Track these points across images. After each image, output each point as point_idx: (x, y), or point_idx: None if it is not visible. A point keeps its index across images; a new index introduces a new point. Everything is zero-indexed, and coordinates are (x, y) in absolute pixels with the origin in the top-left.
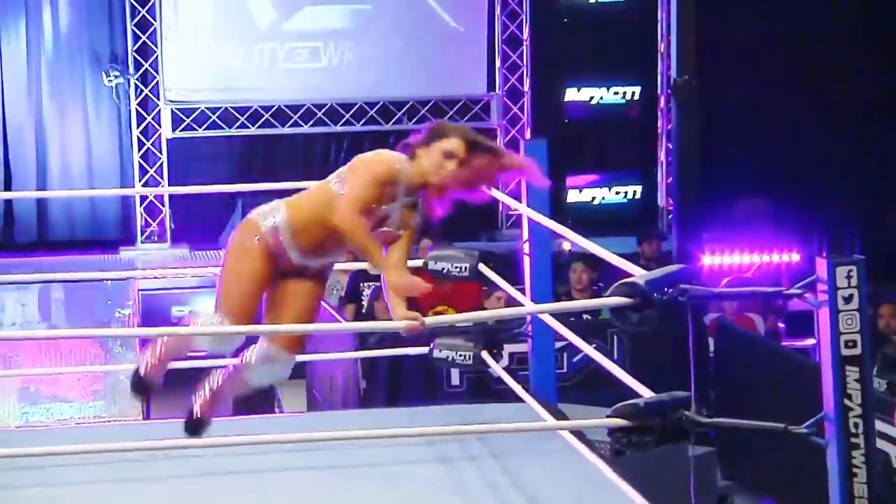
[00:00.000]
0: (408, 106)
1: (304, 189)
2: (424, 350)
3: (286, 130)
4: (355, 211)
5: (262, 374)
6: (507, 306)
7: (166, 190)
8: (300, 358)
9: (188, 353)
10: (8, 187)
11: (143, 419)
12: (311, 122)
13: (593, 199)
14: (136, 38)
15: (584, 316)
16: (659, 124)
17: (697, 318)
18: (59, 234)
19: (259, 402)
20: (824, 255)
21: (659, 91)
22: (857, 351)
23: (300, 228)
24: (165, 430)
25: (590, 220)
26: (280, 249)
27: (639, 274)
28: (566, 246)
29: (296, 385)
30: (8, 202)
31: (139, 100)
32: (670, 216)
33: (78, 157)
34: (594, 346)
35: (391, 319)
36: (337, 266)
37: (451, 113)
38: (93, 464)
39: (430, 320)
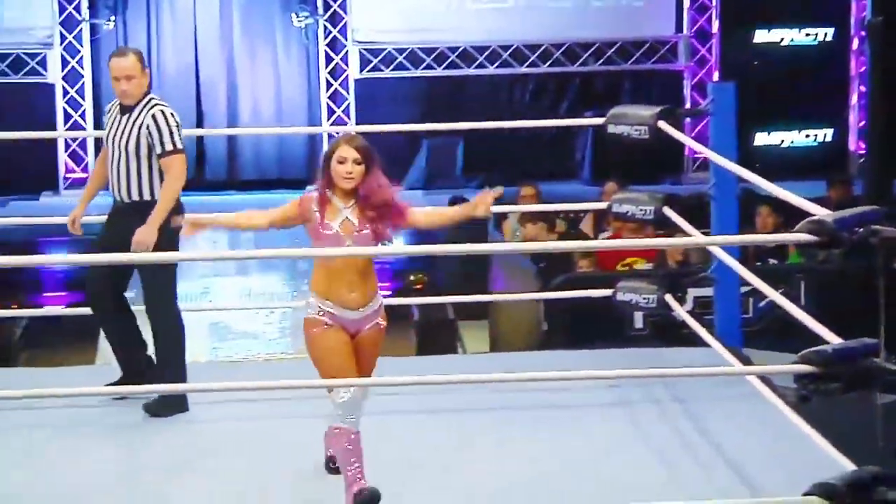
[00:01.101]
0: (594, 47)
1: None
2: (608, 292)
3: (471, 72)
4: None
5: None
6: (692, 251)
7: (353, 129)
8: (482, 298)
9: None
10: (200, 126)
11: None
12: (497, 63)
13: (782, 142)
14: None
15: (771, 261)
16: (851, 66)
17: (888, 261)
18: (248, 173)
19: (442, 342)
20: None
21: (852, 32)
22: None
23: (321, 286)
24: None
25: (778, 164)
26: (334, 318)
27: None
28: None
29: (479, 326)
30: (199, 141)
31: (328, 40)
32: (861, 160)
33: (267, 97)
34: (780, 291)
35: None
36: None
37: (636, 55)
38: (279, 399)
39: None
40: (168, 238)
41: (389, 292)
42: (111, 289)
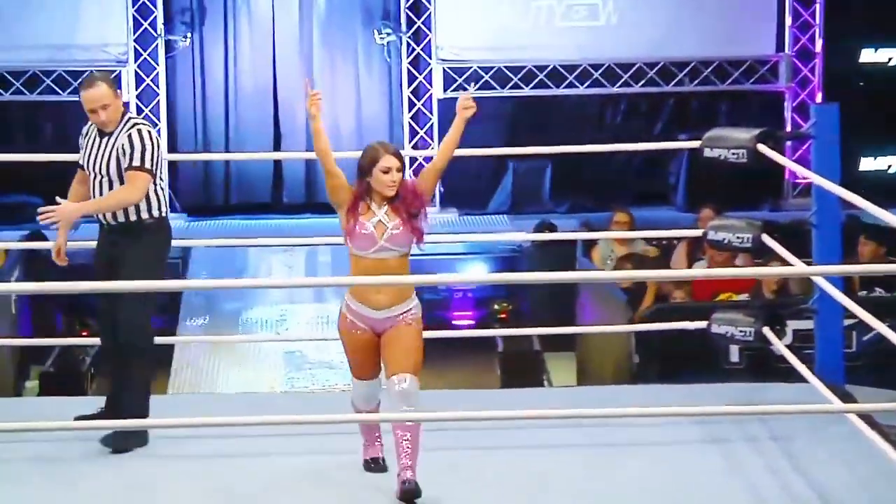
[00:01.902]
0: (689, 67)
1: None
2: (702, 324)
3: (560, 91)
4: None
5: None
6: (791, 281)
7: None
8: (570, 330)
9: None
10: (277, 148)
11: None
12: (587, 83)
13: (889, 167)
14: None
15: (877, 291)
16: None
17: None
18: (326, 196)
19: (528, 374)
20: None
21: None
22: None
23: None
24: (430, 400)
25: (884, 190)
26: (357, 315)
27: None
28: None
29: (566, 358)
30: (277, 163)
31: (411, 58)
32: None
33: (347, 117)
34: (887, 324)
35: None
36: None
37: (735, 74)
38: (356, 433)
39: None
40: (154, 255)
41: (472, 322)
42: (111, 317)
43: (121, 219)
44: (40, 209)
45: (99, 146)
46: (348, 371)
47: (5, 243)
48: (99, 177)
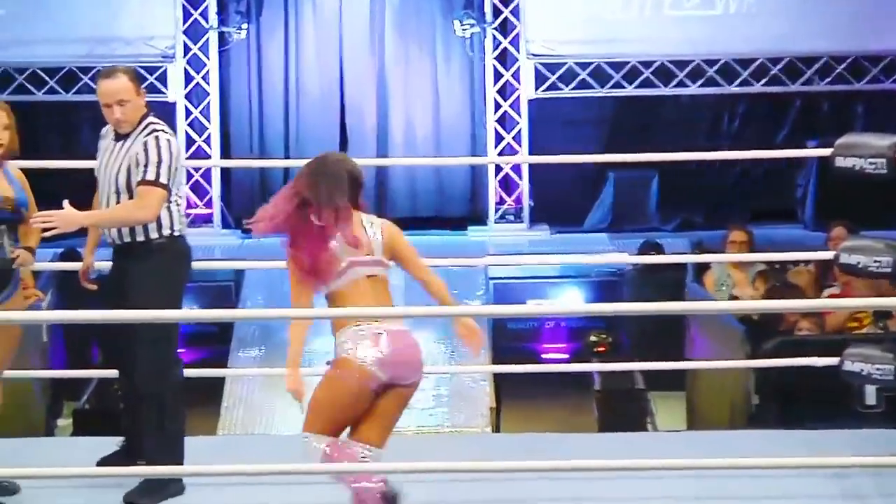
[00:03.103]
0: (820, 63)
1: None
2: (833, 360)
3: (669, 91)
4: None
5: None
6: None
7: (525, 159)
8: (678, 365)
9: None
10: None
11: (493, 431)
12: (700, 81)
13: None
14: None
15: None
16: None
17: None
18: (399, 209)
19: (629, 416)
20: None
21: None
22: None
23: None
24: (519, 444)
25: None
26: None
27: None
28: None
29: (673, 398)
30: None
31: (496, 53)
32: None
33: (423, 119)
34: None
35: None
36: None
37: (873, 72)
38: (432, 482)
39: None
40: (163, 281)
41: (566, 355)
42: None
43: (126, 238)
44: (36, 213)
45: (112, 152)
46: (422, 412)
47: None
48: (107, 188)
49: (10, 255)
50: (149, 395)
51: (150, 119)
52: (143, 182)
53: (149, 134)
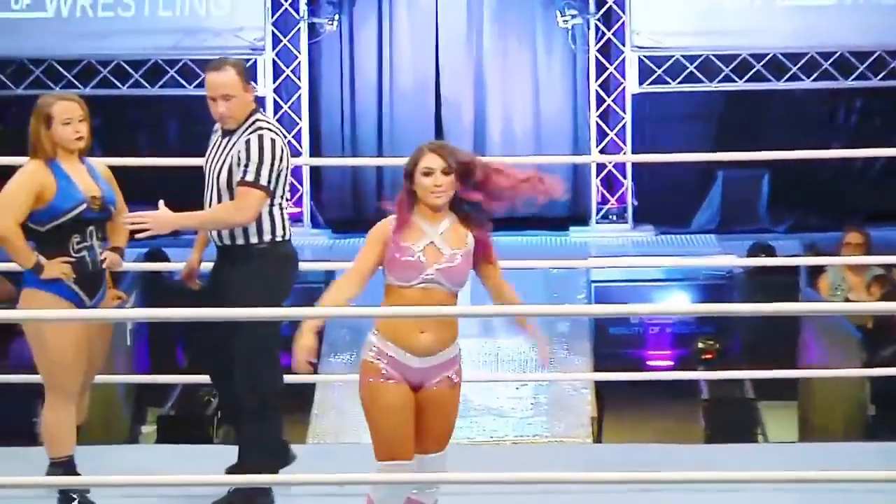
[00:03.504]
0: None
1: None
2: None
3: (782, 85)
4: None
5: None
6: None
7: (630, 158)
8: (791, 373)
9: None
10: None
11: (594, 441)
12: (815, 75)
13: None
14: None
15: None
16: None
17: None
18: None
19: (738, 427)
20: None
21: None
22: None
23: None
24: (622, 456)
25: None
26: (394, 364)
27: None
28: None
29: (785, 408)
30: None
31: (600, 45)
32: None
33: (523, 115)
34: None
35: None
36: None
37: None
38: (532, 493)
39: None
40: (262, 288)
41: (671, 362)
42: (219, 356)
43: (226, 241)
44: (129, 214)
45: (219, 148)
46: (520, 421)
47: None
48: (211, 186)
49: (99, 256)
50: (247, 402)
51: (258, 116)
52: (243, 182)
53: (253, 132)
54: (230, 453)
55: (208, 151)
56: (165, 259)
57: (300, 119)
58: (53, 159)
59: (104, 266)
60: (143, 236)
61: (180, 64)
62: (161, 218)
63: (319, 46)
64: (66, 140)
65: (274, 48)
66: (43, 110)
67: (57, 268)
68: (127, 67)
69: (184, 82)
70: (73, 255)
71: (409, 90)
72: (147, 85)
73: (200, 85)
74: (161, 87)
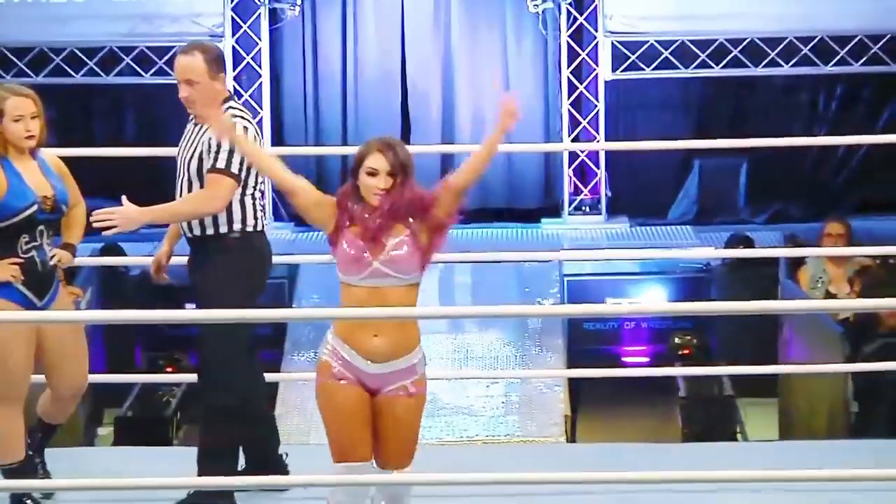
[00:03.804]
0: None
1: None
2: None
3: (760, 71)
4: None
5: None
6: None
7: (603, 146)
8: (770, 369)
9: None
10: (406, 141)
11: (568, 441)
12: (794, 60)
13: None
14: None
15: None
16: None
17: None
18: (468, 201)
19: (717, 425)
20: None
21: None
22: None
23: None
24: (596, 456)
25: None
26: (348, 367)
27: None
28: None
29: (765, 405)
30: None
31: (572, 30)
32: None
33: (492, 103)
34: None
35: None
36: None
37: None
38: (504, 494)
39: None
40: (234, 282)
41: (647, 358)
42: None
43: (196, 231)
44: (96, 211)
45: (190, 136)
46: (490, 420)
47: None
48: (181, 175)
49: (49, 256)
50: (214, 407)
51: (230, 104)
52: (213, 170)
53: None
54: (190, 455)
55: (181, 141)
56: (122, 253)
57: (261, 108)
58: (4, 156)
59: (54, 263)
60: (111, 233)
61: (136, 51)
62: (128, 213)
63: (281, 32)
64: (16, 137)
65: (234, 34)
66: None
67: (5, 270)
68: (81, 55)
69: (140, 70)
70: (22, 255)
71: (374, 77)
72: (102, 73)
73: (158, 73)
74: (117, 75)
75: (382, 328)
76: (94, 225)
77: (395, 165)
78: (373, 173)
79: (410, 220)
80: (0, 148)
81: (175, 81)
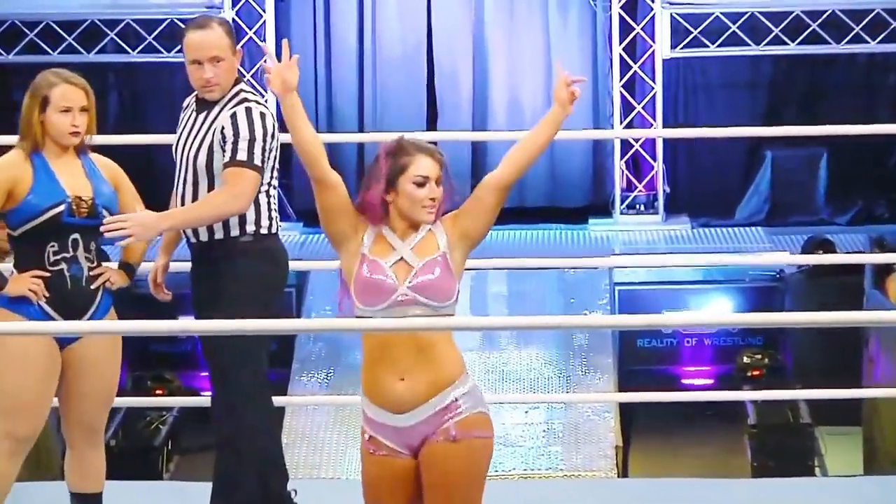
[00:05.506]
0: None
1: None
2: None
3: (842, 48)
4: None
5: None
6: None
7: (660, 133)
8: (855, 393)
9: None
10: (432, 127)
11: (619, 475)
12: (881, 36)
13: None
14: None
15: None
16: None
17: None
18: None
19: (792, 457)
20: None
21: None
22: None
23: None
24: (652, 493)
25: None
26: (376, 429)
27: None
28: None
29: (847, 434)
30: None
31: (624, 1)
32: None
33: (533, 86)
34: None
35: None
36: None
37: None
38: None
39: None
40: (249, 293)
41: (710, 380)
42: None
43: (202, 236)
44: (106, 219)
45: (193, 125)
46: (530, 451)
47: None
48: (184, 171)
49: (87, 272)
50: (222, 436)
51: (241, 87)
52: (234, 163)
53: (238, 104)
54: (184, 490)
55: (179, 130)
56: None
57: (265, 91)
58: (39, 150)
59: (97, 285)
60: (125, 244)
61: (121, 25)
62: (145, 220)
63: (288, 4)
64: (58, 132)
65: (234, 6)
66: (40, 91)
67: (23, 283)
68: (58, 29)
69: (126, 47)
70: (49, 267)
71: (395, 55)
72: (82, 50)
73: (146, 50)
74: (99, 52)
75: (410, 368)
76: (106, 235)
77: (443, 170)
78: (423, 183)
79: (443, 237)
80: (37, 140)
81: (168, 60)
